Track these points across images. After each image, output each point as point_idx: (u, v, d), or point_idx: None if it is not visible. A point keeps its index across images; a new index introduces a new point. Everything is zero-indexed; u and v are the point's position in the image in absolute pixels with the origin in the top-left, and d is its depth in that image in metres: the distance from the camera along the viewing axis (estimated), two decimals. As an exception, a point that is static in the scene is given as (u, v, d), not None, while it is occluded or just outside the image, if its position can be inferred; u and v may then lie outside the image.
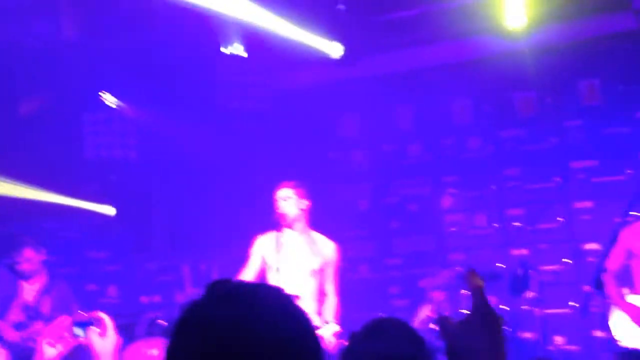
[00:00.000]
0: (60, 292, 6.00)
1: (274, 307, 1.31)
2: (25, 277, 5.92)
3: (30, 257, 5.88)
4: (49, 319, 5.36)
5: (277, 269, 5.16)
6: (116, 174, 8.05)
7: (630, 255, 5.18)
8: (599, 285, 4.35)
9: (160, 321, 6.24)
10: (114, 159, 7.88)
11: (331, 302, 5.40)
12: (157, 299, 7.53)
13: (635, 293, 5.22)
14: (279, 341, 1.26)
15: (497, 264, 6.73)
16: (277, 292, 1.35)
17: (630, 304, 5.10)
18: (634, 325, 5.05)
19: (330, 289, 5.41)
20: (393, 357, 2.28)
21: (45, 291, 5.97)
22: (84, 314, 2.69)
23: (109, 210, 7.78)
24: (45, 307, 5.91)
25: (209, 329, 1.26)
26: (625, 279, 5.25)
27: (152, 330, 6.09)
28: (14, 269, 5.89)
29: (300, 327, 1.31)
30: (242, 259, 5.73)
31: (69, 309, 5.62)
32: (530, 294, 5.93)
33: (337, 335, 5.18)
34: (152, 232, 8.17)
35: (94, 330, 2.58)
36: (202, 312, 1.30)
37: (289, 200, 5.38)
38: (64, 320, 2.65)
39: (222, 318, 1.26)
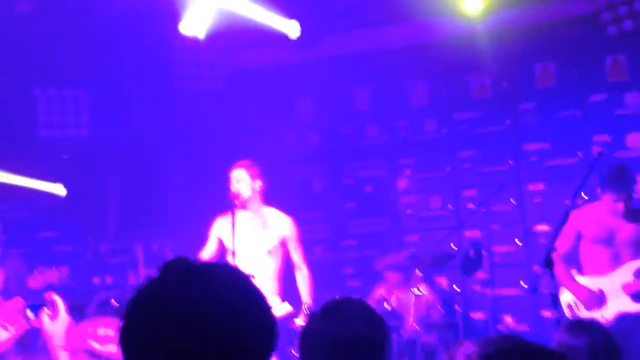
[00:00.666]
0: (13, 266, 6.06)
1: (228, 285, 1.29)
2: None
3: None
4: (1, 293, 5.35)
5: (234, 251, 5.13)
6: (68, 153, 7.90)
7: (579, 237, 5.29)
8: (549, 265, 4.39)
9: (112, 301, 6.16)
10: (66, 138, 7.72)
11: (304, 273, 5.41)
12: (109, 280, 7.43)
13: (582, 274, 5.33)
14: (234, 318, 1.25)
15: (450, 245, 6.80)
16: (231, 270, 1.34)
17: (578, 283, 5.21)
18: (580, 304, 5.16)
19: (298, 260, 5.41)
20: (350, 340, 2.28)
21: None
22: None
23: (60, 190, 7.63)
24: None
25: (164, 308, 1.25)
26: (572, 261, 5.36)
27: (103, 311, 5.99)
28: None
29: (255, 304, 1.30)
30: (195, 240, 5.68)
31: (22, 283, 5.60)
32: (482, 275, 6.00)
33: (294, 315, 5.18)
34: (105, 213, 8.04)
35: (45, 312, 2.57)
36: (157, 290, 1.28)
37: (242, 181, 5.35)
38: (16, 302, 2.62)
39: (177, 296, 1.25)
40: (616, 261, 5.22)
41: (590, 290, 5.17)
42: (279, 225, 5.41)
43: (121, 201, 8.00)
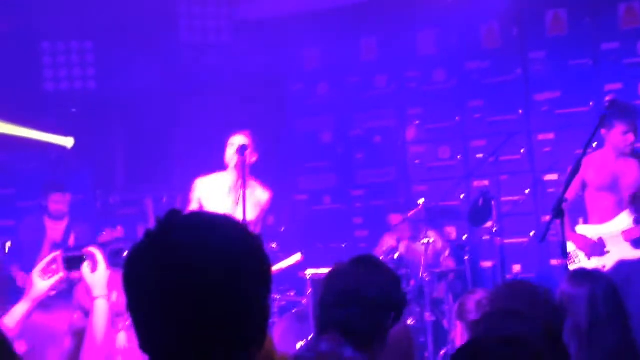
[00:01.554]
0: (82, 229, 6.58)
1: (226, 231, 1.31)
2: (56, 218, 6.53)
3: (59, 200, 6.52)
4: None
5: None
6: (76, 106, 7.88)
7: (584, 185, 5.30)
8: (559, 214, 4.40)
9: (125, 253, 6.22)
10: (74, 91, 7.70)
11: None
12: (120, 231, 7.48)
13: (588, 223, 5.35)
14: (231, 262, 1.27)
15: (458, 196, 6.81)
16: (229, 219, 1.35)
17: (577, 233, 5.24)
18: (581, 253, 5.21)
19: (256, 230, 5.42)
20: (375, 302, 2.31)
21: (69, 229, 6.59)
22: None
23: (68, 142, 7.64)
24: (71, 244, 6.37)
25: (165, 253, 1.26)
26: (578, 210, 5.37)
27: (116, 262, 6.07)
28: (48, 212, 6.53)
29: (252, 250, 1.31)
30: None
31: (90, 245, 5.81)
32: (490, 224, 6.02)
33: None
34: (114, 165, 8.07)
35: (86, 265, 2.66)
36: (158, 237, 1.29)
37: (244, 151, 5.32)
38: (56, 254, 2.69)
39: (178, 242, 1.27)
40: (620, 207, 5.25)
41: (588, 239, 5.21)
42: (262, 198, 5.43)
43: (130, 154, 8.02)
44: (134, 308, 1.29)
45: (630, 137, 5.19)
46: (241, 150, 5.24)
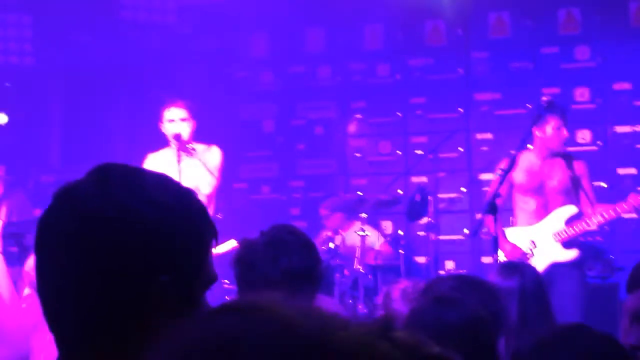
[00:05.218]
0: (17, 199, 6.31)
1: (157, 184, 1.18)
2: None
3: None
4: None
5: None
6: (11, 81, 7.64)
7: (511, 185, 5.30)
8: (493, 210, 4.47)
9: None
10: (9, 65, 7.45)
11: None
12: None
13: (515, 224, 5.38)
14: (165, 215, 1.14)
15: (397, 191, 6.86)
16: (160, 173, 1.23)
17: (504, 239, 5.14)
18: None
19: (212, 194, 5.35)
20: (295, 271, 2.29)
21: (1, 198, 6.27)
22: None
23: (1, 118, 7.39)
24: (2, 213, 6.04)
25: (84, 206, 1.12)
26: (506, 210, 5.38)
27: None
28: None
29: (188, 203, 1.18)
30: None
31: (26, 214, 5.84)
32: (426, 220, 6.08)
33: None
34: (48, 144, 7.85)
35: None
36: (75, 191, 1.15)
37: (184, 122, 5.24)
38: None
39: (99, 195, 1.13)
40: (545, 210, 5.24)
41: (514, 246, 5.14)
42: (213, 159, 5.33)
43: (67, 132, 7.82)
44: (45, 280, 1.15)
45: (564, 132, 5.19)
46: (177, 137, 5.17)
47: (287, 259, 2.29)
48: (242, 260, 2.39)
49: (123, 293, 1.11)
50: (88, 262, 1.10)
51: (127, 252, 1.10)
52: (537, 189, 5.27)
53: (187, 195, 1.20)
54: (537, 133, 5.20)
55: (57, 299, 1.14)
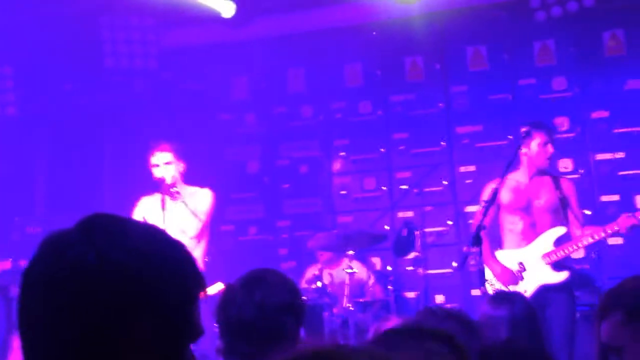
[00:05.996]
0: None
1: (143, 235, 1.18)
2: None
3: None
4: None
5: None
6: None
7: (498, 208, 5.25)
8: (477, 242, 4.48)
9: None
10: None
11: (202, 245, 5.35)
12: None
13: (503, 246, 5.30)
14: (149, 267, 1.14)
15: (383, 226, 6.88)
16: (147, 224, 1.23)
17: (495, 261, 5.17)
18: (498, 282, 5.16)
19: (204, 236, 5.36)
20: (271, 305, 2.29)
21: None
22: None
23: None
24: None
25: (68, 259, 1.13)
26: (494, 235, 5.37)
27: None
28: None
29: (174, 254, 1.18)
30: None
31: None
32: (414, 255, 6.09)
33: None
34: (32, 194, 7.83)
35: None
36: (59, 243, 1.16)
37: (168, 166, 5.26)
38: None
39: (82, 245, 1.13)
40: (534, 230, 5.19)
41: (506, 269, 5.13)
42: (203, 204, 5.35)
43: (50, 183, 7.80)
44: (27, 327, 1.15)
45: (550, 148, 5.17)
46: (161, 181, 5.19)
47: (261, 293, 2.30)
48: (220, 301, 2.40)
49: (101, 343, 1.10)
50: (67, 310, 1.10)
51: (107, 301, 1.10)
52: (525, 208, 5.22)
53: (173, 246, 1.19)
54: (523, 150, 5.17)
55: (37, 345, 1.14)
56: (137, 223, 1.23)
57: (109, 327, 1.10)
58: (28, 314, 1.15)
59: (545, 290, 5.05)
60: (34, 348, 1.14)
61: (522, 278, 5.12)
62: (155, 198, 5.34)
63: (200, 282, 1.20)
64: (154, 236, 1.19)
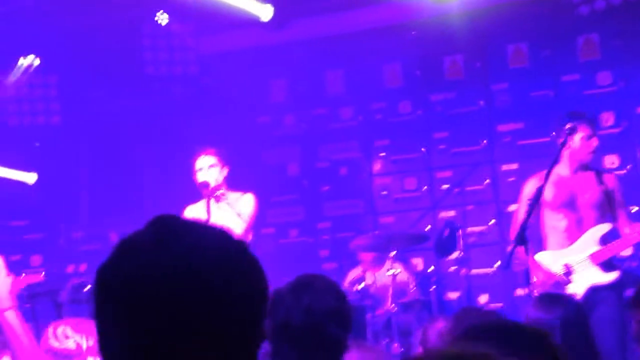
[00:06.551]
0: None
1: (219, 241, 1.17)
2: None
3: None
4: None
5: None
6: (40, 141, 7.80)
7: (539, 206, 4.94)
8: (523, 242, 4.38)
9: (86, 287, 6.09)
10: (37, 125, 7.62)
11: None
12: (83, 267, 7.35)
13: (546, 246, 5.05)
14: (224, 274, 1.13)
15: (425, 227, 6.82)
16: (222, 230, 1.22)
17: (539, 267, 4.90)
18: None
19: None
20: (318, 310, 2.28)
21: None
22: None
23: (31, 178, 7.52)
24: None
25: (145, 262, 1.12)
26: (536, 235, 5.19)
27: (77, 297, 5.93)
28: None
29: (248, 265, 1.18)
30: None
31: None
32: (456, 255, 6.01)
33: None
34: (77, 200, 7.96)
35: None
36: (135, 244, 1.15)
37: (212, 169, 5.29)
38: None
39: (158, 249, 1.13)
40: (579, 227, 4.93)
41: (551, 274, 4.83)
42: (246, 208, 5.37)
43: (94, 188, 7.93)
44: (105, 321, 1.15)
45: (594, 141, 4.96)
46: (205, 185, 5.22)
47: (309, 298, 2.28)
48: (268, 305, 2.38)
49: (175, 345, 1.09)
50: (142, 314, 1.10)
51: (182, 307, 1.09)
52: (569, 204, 4.95)
53: (241, 247, 1.20)
54: (566, 147, 4.92)
55: (112, 343, 1.14)
56: (211, 227, 1.23)
57: (181, 334, 1.10)
58: (104, 313, 1.16)
59: (594, 292, 4.79)
60: (108, 347, 1.15)
61: (569, 282, 4.84)
62: (200, 205, 5.37)
63: (267, 282, 1.20)
64: (228, 240, 1.20)
